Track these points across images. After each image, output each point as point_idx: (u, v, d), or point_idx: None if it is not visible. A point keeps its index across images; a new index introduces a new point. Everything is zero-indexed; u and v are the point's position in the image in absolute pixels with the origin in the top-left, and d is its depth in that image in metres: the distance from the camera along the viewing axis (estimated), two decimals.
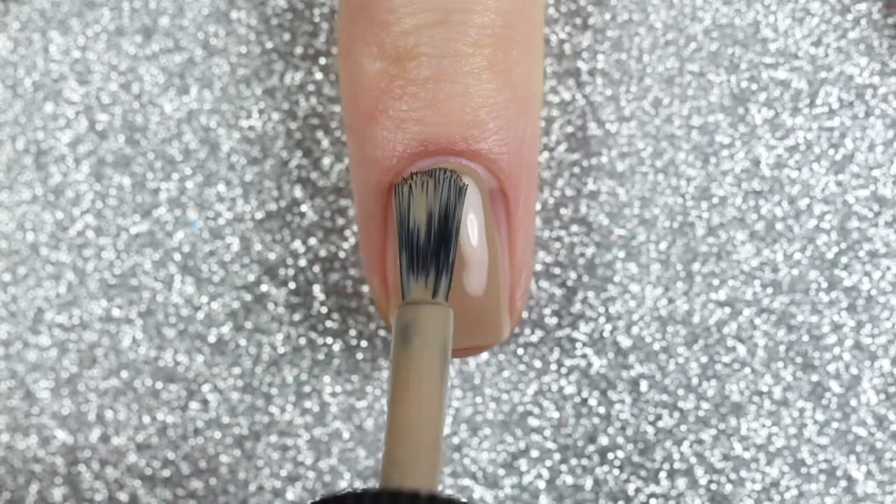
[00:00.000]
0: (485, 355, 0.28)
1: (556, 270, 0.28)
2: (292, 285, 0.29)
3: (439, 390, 0.22)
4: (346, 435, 0.29)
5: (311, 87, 0.29)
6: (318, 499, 0.21)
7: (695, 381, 0.28)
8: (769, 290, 0.28)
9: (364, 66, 0.25)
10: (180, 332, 0.29)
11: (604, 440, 0.28)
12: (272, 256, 0.29)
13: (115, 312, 0.29)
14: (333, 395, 0.29)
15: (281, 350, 0.29)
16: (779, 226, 0.28)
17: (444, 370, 0.22)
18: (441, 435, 0.22)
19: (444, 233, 0.24)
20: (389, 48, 0.24)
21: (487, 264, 0.25)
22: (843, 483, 0.28)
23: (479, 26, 0.24)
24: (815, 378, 0.28)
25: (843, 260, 0.28)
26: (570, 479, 0.28)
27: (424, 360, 0.22)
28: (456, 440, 0.28)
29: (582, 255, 0.28)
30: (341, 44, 0.26)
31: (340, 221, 0.29)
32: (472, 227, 0.24)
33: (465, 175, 0.24)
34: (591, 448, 0.28)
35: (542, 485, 0.28)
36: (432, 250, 0.24)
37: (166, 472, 0.29)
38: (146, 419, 0.29)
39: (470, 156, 0.25)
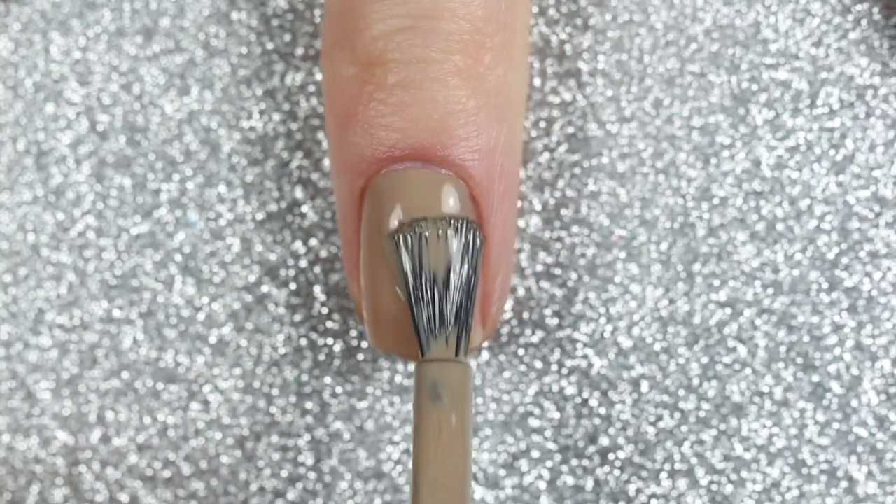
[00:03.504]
0: (485, 356, 0.28)
1: (557, 271, 0.28)
2: (293, 286, 0.29)
3: (469, 447, 0.23)
4: (346, 436, 0.29)
5: (311, 88, 0.29)
6: None
7: (695, 381, 0.28)
8: (770, 291, 0.28)
9: (340, 71, 0.25)
10: (181, 332, 0.29)
11: (604, 441, 0.28)
12: (273, 257, 0.29)
13: (116, 313, 0.29)
14: (334, 395, 0.29)
15: (282, 351, 0.29)
16: (779, 226, 0.28)
17: (471, 427, 0.23)
18: (470, 491, 0.23)
19: (469, 289, 0.24)
20: (360, 53, 0.25)
21: None
22: (844, 484, 0.28)
23: (446, 33, 0.24)
24: (815, 379, 0.28)
25: (844, 261, 0.28)
26: (570, 480, 0.28)
27: (455, 420, 0.23)
28: None
29: (583, 255, 0.28)
30: (322, 49, 0.26)
31: None
32: None
33: (446, 184, 0.24)
34: (591, 449, 0.28)
35: (542, 485, 0.28)
36: (453, 308, 0.24)
37: (167, 473, 0.29)
38: (147, 420, 0.29)
39: (438, 162, 0.24)
